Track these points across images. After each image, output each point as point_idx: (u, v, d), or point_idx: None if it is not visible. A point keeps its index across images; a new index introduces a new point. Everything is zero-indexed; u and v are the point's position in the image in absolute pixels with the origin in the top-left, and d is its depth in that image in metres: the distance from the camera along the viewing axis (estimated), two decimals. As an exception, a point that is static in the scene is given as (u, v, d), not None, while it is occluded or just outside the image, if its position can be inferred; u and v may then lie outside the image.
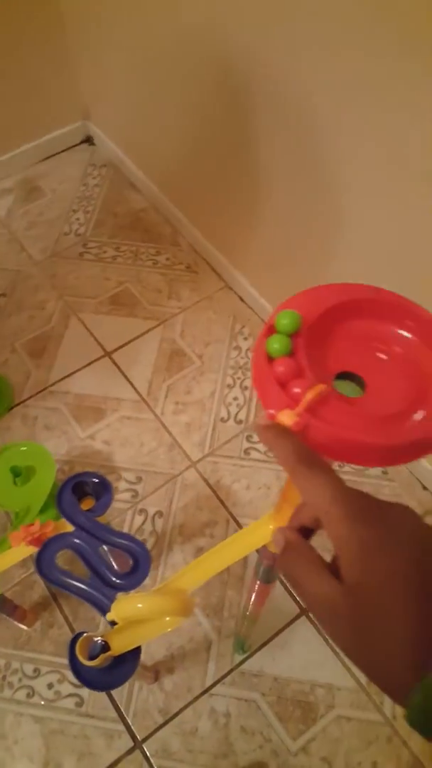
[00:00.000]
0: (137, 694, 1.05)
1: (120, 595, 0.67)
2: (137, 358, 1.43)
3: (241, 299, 1.52)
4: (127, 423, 1.33)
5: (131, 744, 1.01)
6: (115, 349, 1.45)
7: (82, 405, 1.36)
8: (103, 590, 0.76)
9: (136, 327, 1.48)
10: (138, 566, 0.77)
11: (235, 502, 1.23)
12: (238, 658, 1.07)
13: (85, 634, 0.64)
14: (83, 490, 0.85)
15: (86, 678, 0.65)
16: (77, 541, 0.79)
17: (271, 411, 0.34)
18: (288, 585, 1.08)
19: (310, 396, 0.32)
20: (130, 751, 1.00)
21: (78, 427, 1.33)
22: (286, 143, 1.04)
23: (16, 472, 0.96)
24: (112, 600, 0.69)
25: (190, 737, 1.01)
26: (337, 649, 1.07)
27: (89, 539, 0.79)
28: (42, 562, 0.74)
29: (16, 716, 1.03)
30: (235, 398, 1.36)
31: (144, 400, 1.37)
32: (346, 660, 1.06)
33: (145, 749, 1.00)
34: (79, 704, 1.04)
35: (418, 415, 0.34)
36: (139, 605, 0.59)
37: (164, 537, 1.19)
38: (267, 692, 1.05)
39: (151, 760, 0.99)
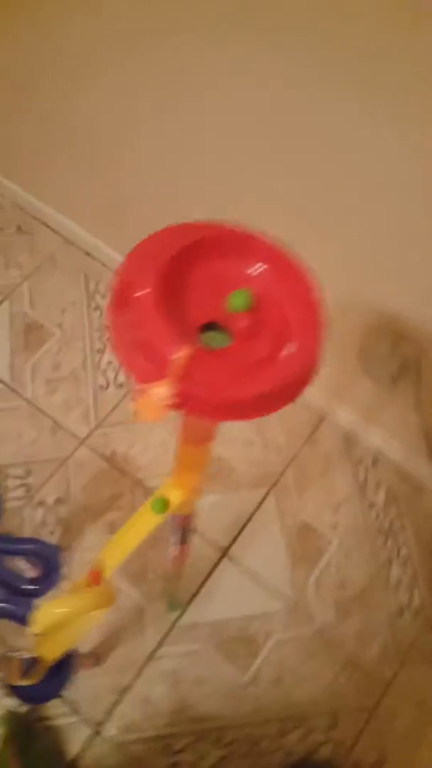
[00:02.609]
0: (83, 683, 1.02)
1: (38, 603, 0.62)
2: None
3: (87, 254, 1.42)
4: (-2, 416, 1.24)
5: (90, 731, 0.99)
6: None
7: None
8: (18, 600, 0.72)
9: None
10: (50, 566, 0.73)
11: (138, 467, 1.19)
12: (173, 616, 1.08)
13: (10, 656, 0.60)
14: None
15: (29, 695, 0.62)
16: (-27, 560, 0.73)
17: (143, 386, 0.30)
18: None
19: (180, 362, 0.29)
20: (91, 738, 0.98)
21: None
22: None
23: None
24: (30, 608, 0.64)
25: (146, 705, 1.01)
26: (262, 580, 1.11)
27: (-14, 555, 0.73)
28: None
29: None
30: (110, 362, 1.30)
31: (9, 387, 1.27)
32: (270, 586, 1.10)
33: (106, 732, 0.99)
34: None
35: (287, 350, 0.32)
36: (59, 611, 0.55)
37: (71, 523, 1.14)
38: (208, 639, 1.06)
39: (115, 740, 0.98)
